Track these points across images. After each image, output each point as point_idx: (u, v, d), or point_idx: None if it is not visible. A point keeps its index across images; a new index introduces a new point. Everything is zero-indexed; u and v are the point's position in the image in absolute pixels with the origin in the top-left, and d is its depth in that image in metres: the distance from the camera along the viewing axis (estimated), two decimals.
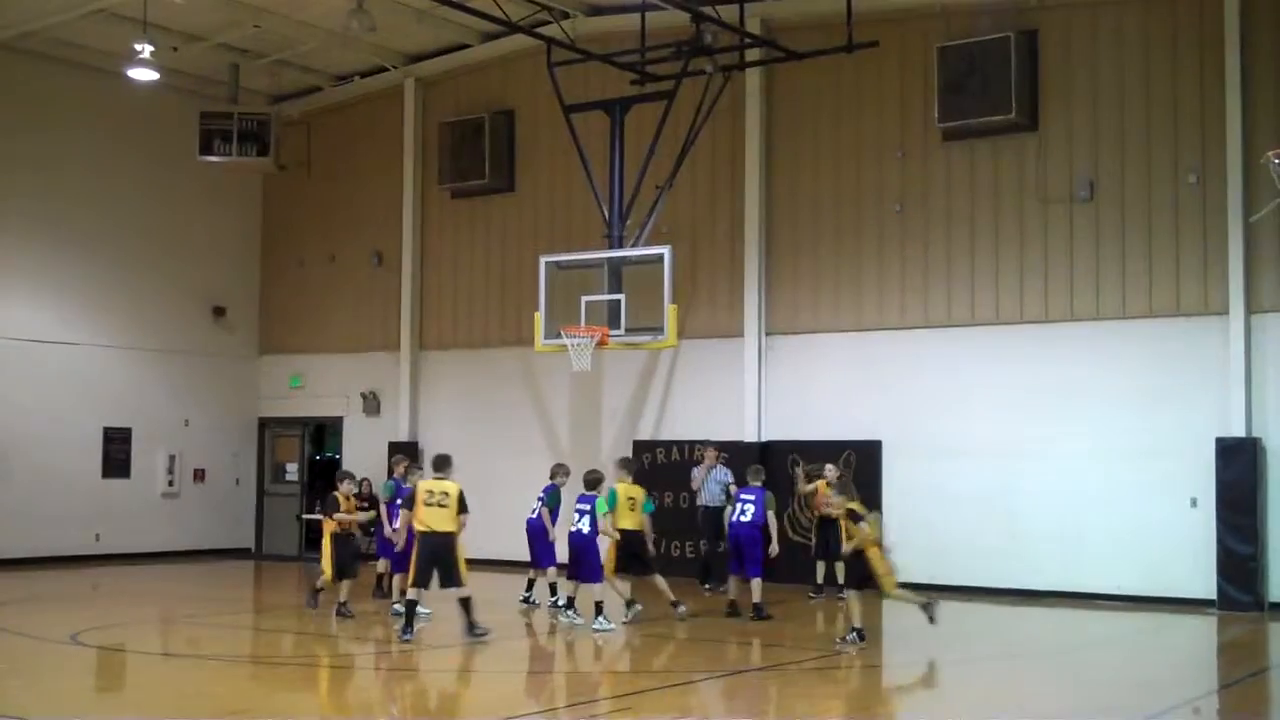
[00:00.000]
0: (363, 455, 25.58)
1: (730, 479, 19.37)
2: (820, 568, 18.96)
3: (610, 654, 14.83)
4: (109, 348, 24.99)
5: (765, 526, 16.90)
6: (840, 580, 18.59)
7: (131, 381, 25.30)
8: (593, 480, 16.25)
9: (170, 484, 25.71)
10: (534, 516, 17.33)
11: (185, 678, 13.17)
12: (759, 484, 17.08)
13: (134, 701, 11.86)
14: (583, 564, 15.83)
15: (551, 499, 17.35)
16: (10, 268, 23.63)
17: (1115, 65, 19.18)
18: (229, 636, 15.28)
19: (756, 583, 16.73)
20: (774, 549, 17.16)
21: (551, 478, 17.57)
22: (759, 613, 16.53)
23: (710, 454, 20.03)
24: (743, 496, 17.01)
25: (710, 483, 19.73)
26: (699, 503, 19.92)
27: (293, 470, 27.16)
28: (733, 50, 21.02)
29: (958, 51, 19.59)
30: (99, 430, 24.76)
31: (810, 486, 18.98)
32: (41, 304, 24.09)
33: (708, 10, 19.74)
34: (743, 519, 16.79)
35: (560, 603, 16.57)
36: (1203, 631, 16.87)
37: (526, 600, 17.75)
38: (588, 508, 15.91)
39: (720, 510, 19.35)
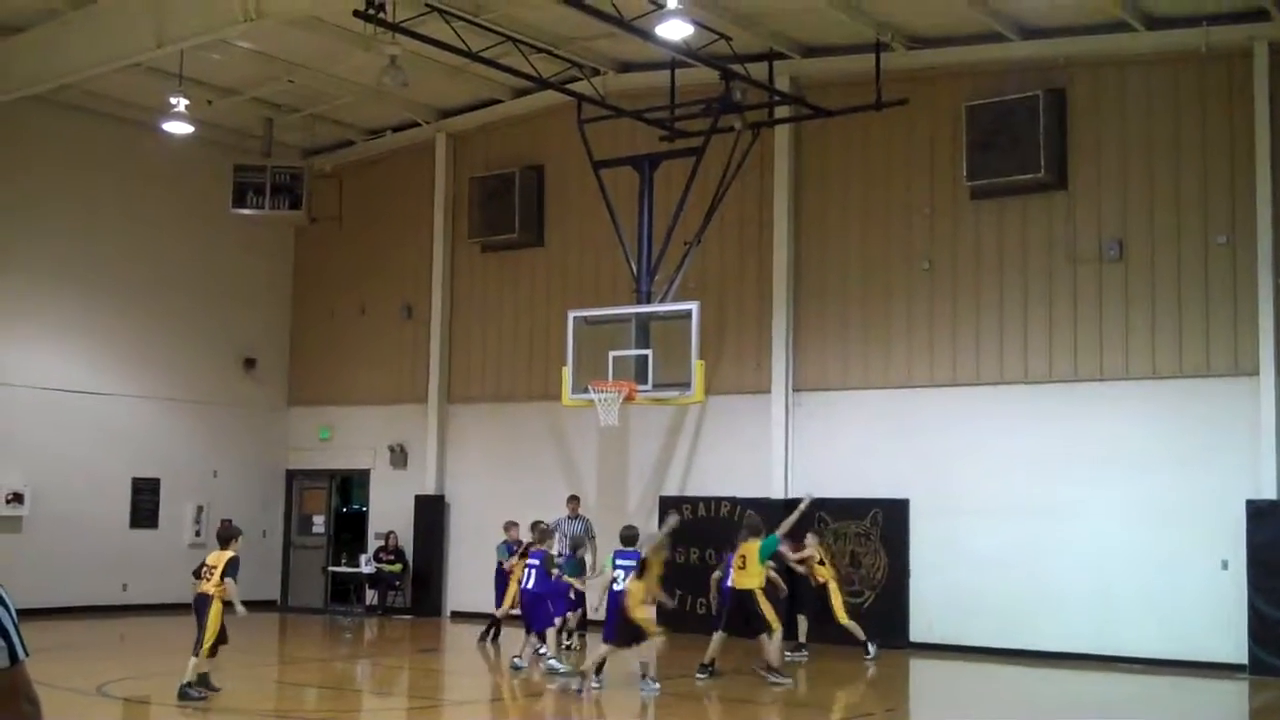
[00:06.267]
0: (389, 508, 25.66)
1: (583, 530, 20.35)
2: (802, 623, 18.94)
3: (638, 708, 14.76)
4: (139, 398, 25.13)
5: None
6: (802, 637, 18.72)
7: (161, 432, 25.41)
8: (630, 536, 16.01)
9: (198, 534, 25.71)
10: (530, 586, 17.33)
11: None
12: (635, 548, 16.46)
13: None
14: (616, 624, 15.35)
15: (548, 564, 17.49)
16: (43, 318, 23.81)
17: (1144, 124, 19.18)
18: (255, 689, 15.25)
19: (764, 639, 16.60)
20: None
21: (542, 542, 17.57)
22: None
23: (570, 505, 21.01)
24: (620, 563, 15.82)
25: (572, 534, 20.29)
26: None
27: (320, 522, 27.18)
28: (762, 107, 21.16)
29: (986, 110, 19.64)
30: (127, 480, 24.85)
31: (801, 556, 18.72)
32: (72, 354, 24.25)
33: (737, 68, 19.89)
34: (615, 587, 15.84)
35: (546, 653, 16.99)
36: (1233, 696, 16.68)
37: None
38: (632, 563, 15.46)
39: (584, 560, 19.78)
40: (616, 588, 15.42)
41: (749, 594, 16.12)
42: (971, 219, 20.32)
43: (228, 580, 14.20)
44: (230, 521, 15.38)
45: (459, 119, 25.36)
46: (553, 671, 16.58)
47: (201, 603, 14.27)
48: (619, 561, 15.62)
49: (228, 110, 24.25)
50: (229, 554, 14.38)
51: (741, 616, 16.21)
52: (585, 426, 22.09)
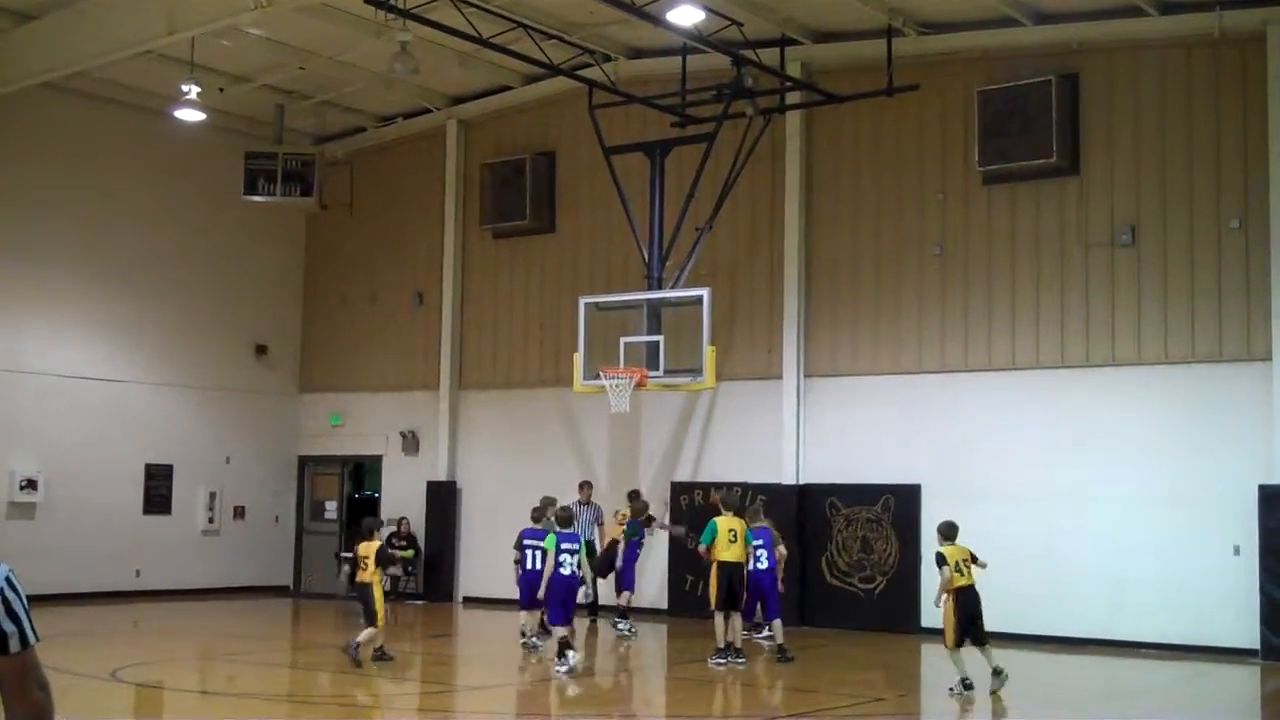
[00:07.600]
0: (401, 494, 25.71)
1: (593, 516, 20.72)
2: None
3: (650, 694, 14.77)
4: (152, 384, 25.17)
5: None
6: None
7: (173, 418, 25.47)
8: (567, 518, 16.20)
9: (210, 521, 25.82)
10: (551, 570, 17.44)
11: (223, 716, 13.20)
12: (765, 524, 16.91)
13: None
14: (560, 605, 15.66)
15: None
16: (55, 304, 23.85)
17: (1157, 109, 19.11)
18: (267, 675, 15.29)
19: (777, 624, 16.76)
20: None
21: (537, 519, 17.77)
22: (784, 654, 16.57)
23: (583, 491, 21.00)
24: (564, 546, 15.83)
25: (583, 519, 20.30)
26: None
27: (332, 508, 27.24)
28: (773, 93, 21.13)
29: (999, 95, 19.58)
30: (140, 467, 24.90)
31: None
32: (86, 341, 24.30)
33: (748, 53, 19.86)
34: (759, 566, 16.47)
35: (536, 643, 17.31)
36: (1245, 682, 16.66)
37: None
38: (576, 546, 15.68)
39: (592, 544, 19.92)
40: (564, 572, 15.39)
41: (737, 567, 16.22)
42: (983, 204, 20.27)
43: (390, 570, 16.11)
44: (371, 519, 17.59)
45: (470, 105, 25.34)
46: (534, 649, 17.08)
47: (364, 590, 15.77)
48: (563, 545, 15.50)
49: (239, 97, 24.27)
50: (376, 544, 16.00)
51: (728, 591, 16.24)
52: (596, 412, 22.09)
